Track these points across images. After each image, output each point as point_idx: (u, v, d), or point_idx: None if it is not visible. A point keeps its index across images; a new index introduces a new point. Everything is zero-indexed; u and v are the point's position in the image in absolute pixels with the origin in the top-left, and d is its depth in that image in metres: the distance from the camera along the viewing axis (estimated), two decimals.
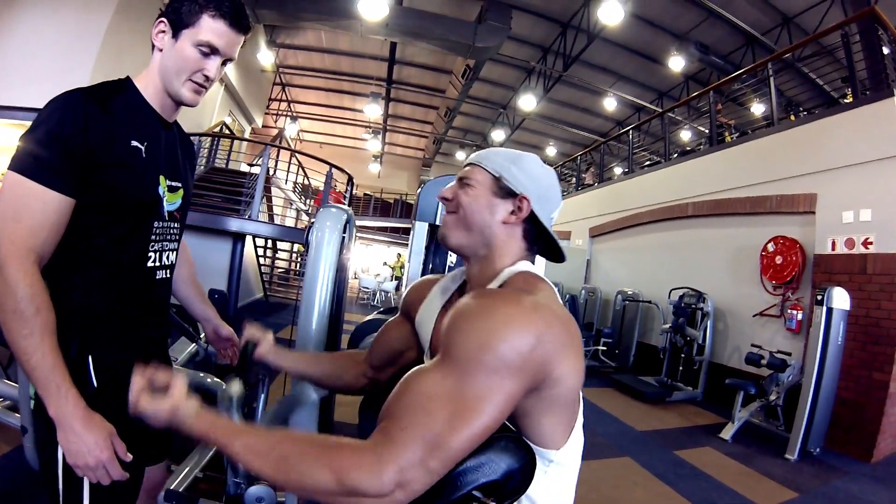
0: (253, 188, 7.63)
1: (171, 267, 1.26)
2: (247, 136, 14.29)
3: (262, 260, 9.33)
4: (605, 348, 7.51)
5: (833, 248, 4.73)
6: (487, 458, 0.73)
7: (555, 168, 13.04)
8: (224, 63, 1.13)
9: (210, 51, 1.08)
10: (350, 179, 9.56)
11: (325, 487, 0.69)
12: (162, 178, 1.15)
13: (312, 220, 1.85)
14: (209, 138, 9.46)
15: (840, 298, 4.14)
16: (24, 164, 0.94)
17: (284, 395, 1.83)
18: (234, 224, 7.13)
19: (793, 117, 5.87)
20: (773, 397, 4.62)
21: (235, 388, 1.30)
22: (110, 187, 1.02)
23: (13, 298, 0.89)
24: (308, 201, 12.48)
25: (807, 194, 5.04)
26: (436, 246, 2.97)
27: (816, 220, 4.94)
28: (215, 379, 2.11)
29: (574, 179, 12.71)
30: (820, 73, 9.38)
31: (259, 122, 15.21)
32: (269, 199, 9.57)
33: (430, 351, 1.07)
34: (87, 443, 0.93)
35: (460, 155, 20.60)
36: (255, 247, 8.79)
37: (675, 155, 8.38)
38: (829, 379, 4.16)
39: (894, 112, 4.30)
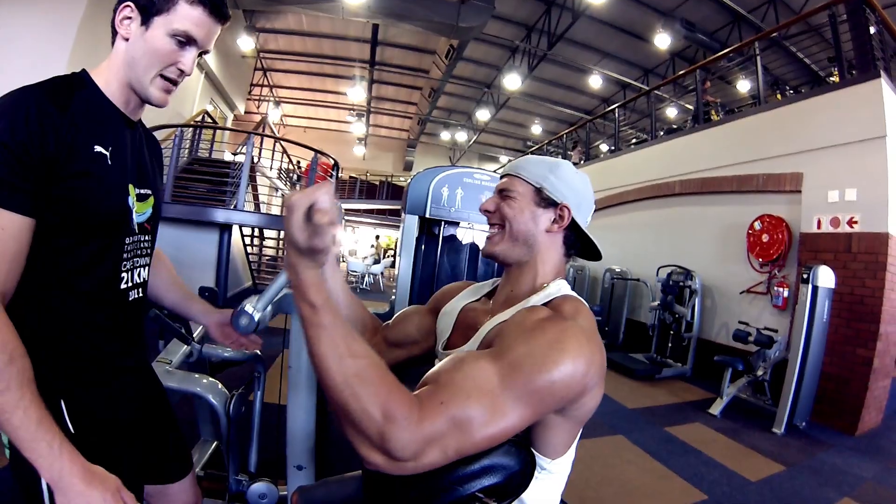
0: (238, 177, 7.53)
1: (144, 284, 1.13)
2: (229, 123, 14.08)
3: (249, 248, 9.27)
4: None
5: (819, 227, 4.79)
6: (492, 462, 0.77)
7: (541, 146, 13.06)
8: (199, 55, 1.01)
9: (186, 41, 0.95)
10: (335, 164, 9.47)
11: (366, 423, 0.68)
12: (130, 186, 1.01)
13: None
14: (191, 128, 9.28)
15: (825, 277, 4.22)
16: None
17: None
18: (221, 215, 7.04)
19: (779, 96, 5.88)
20: (760, 373, 4.72)
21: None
22: (72, 202, 0.88)
23: None
24: (296, 187, 12.37)
25: (793, 173, 5.09)
26: (427, 238, 2.97)
27: (802, 199, 5.00)
28: (210, 379, 2.10)
29: (560, 157, 12.69)
30: (807, 52, 9.39)
31: (241, 108, 14.98)
32: (255, 188, 9.46)
33: (446, 342, 1.09)
34: (92, 502, 0.81)
35: (445, 135, 20.55)
36: (242, 235, 8.72)
37: (662, 133, 8.39)
38: (815, 355, 4.26)
39: (880, 93, 4.32)
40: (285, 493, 1.97)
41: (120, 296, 1.03)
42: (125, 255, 1.03)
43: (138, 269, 1.09)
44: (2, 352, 0.75)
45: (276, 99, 17.47)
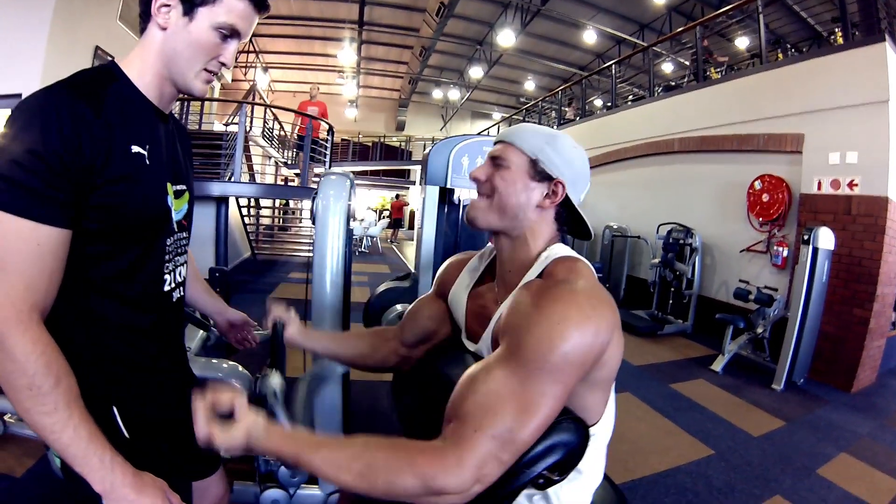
0: (232, 149, 7.40)
1: (184, 283, 1.10)
2: (216, 92, 13.72)
3: (246, 219, 9.23)
4: None
5: (819, 189, 4.79)
6: (553, 442, 0.80)
7: (535, 103, 12.74)
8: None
9: (230, 34, 0.91)
10: (330, 129, 9.32)
11: (411, 491, 0.73)
12: (168, 184, 0.96)
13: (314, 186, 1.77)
14: (177, 102, 9.01)
15: (825, 238, 4.25)
16: (3, 197, 0.72)
17: (306, 372, 1.81)
18: (217, 188, 6.91)
19: (781, 55, 5.73)
20: (759, 330, 4.82)
21: (275, 380, 1.14)
22: (112, 208, 0.82)
23: (24, 374, 0.71)
24: (287, 153, 12.20)
25: (794, 134, 5.05)
26: (448, 207, 2.95)
27: (803, 160, 4.97)
28: (231, 363, 2.13)
29: (554, 114, 12.57)
30: (810, 11, 9.15)
31: (228, 77, 14.59)
32: (249, 158, 9.33)
33: (466, 331, 1.09)
34: None
35: (437, 93, 20.29)
36: (239, 207, 8.67)
37: (660, 89, 8.27)
38: (814, 314, 4.34)
39: (884, 57, 4.25)
40: None
41: (164, 298, 1.01)
42: (167, 257, 1.00)
43: (179, 269, 1.06)
44: (48, 374, 0.73)
45: (264, 65, 17.01)
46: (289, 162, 11.94)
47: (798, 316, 4.27)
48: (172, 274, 1.03)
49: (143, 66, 0.90)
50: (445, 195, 2.91)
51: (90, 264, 0.84)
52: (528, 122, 15.43)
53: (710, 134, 6.25)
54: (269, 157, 11.37)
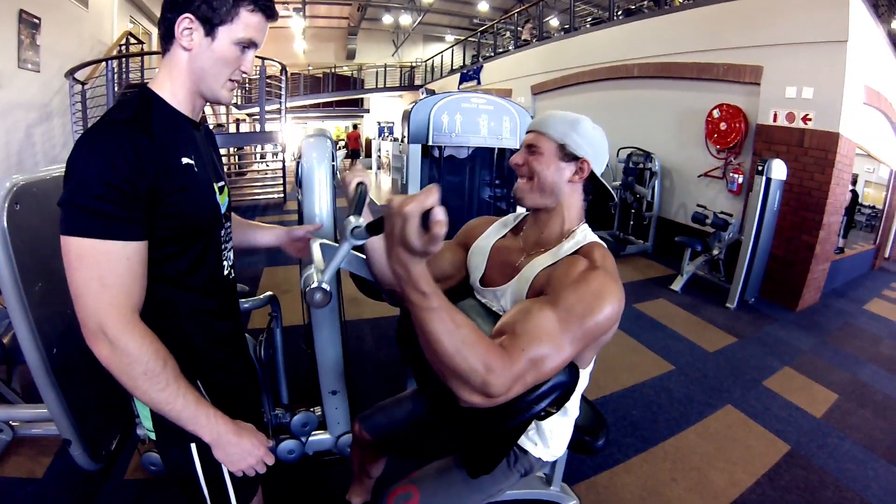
0: None
1: (234, 265, 1.24)
2: (155, 38, 12.66)
3: None
4: None
5: (775, 120, 4.97)
6: (554, 382, 0.99)
7: (491, 25, 12.22)
8: None
9: (248, 45, 0.99)
10: (283, 68, 8.88)
11: (471, 376, 0.82)
12: (214, 184, 1.08)
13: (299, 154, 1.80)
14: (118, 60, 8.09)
15: (778, 169, 4.48)
16: (89, 225, 0.82)
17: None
18: None
19: None
20: (715, 252, 5.17)
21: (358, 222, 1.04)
22: (177, 215, 0.94)
23: (140, 363, 0.86)
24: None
25: (753, 66, 5.15)
26: (430, 163, 3.02)
27: (761, 92, 5.10)
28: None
29: (508, 34, 12.24)
30: None
31: None
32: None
33: (483, 278, 1.27)
34: (245, 448, 1.00)
35: (387, 18, 19.38)
36: None
37: (620, 14, 8.15)
38: (765, 239, 4.66)
39: None
40: (319, 415, 2.09)
41: (224, 282, 1.16)
42: (223, 245, 1.14)
43: (229, 253, 1.20)
44: (157, 358, 0.88)
45: None
46: (239, 103, 11.41)
47: (751, 240, 4.57)
48: (228, 259, 1.18)
49: (174, 86, 0.99)
50: (428, 151, 2.97)
51: (165, 263, 0.97)
52: (483, 44, 15.02)
53: (670, 61, 6.30)
54: (217, 104, 10.76)
